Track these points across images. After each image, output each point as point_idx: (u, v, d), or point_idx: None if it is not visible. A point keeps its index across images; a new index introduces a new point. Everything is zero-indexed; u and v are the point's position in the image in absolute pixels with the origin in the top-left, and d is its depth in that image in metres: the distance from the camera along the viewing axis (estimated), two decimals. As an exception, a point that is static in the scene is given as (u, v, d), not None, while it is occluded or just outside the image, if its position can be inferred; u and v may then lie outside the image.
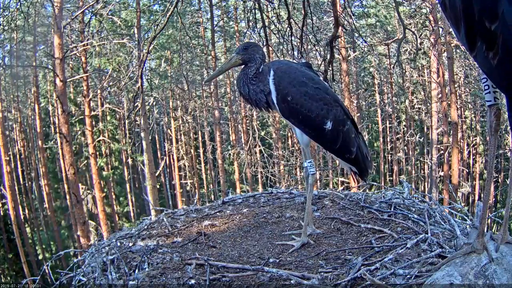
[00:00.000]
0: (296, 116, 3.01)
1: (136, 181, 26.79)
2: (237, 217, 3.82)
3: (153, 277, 2.57)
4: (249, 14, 6.39)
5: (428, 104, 18.57)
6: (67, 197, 19.58)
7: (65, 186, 19.22)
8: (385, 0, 17.61)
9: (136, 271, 2.72)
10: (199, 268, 2.68)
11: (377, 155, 23.07)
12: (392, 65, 18.97)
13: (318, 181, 16.09)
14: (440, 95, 15.31)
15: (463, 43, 1.65)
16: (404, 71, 20.28)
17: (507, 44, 1.47)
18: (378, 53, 20.67)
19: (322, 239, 3.19)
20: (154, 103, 20.75)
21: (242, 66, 3.14)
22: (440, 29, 13.83)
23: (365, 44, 16.00)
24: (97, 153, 17.91)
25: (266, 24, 6.08)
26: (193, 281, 2.49)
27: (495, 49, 1.51)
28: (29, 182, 25.33)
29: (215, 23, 19.35)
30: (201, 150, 24.87)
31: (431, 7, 13.08)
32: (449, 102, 14.83)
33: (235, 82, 3.31)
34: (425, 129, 21.99)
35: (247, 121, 18.46)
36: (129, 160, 23.74)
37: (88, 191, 17.80)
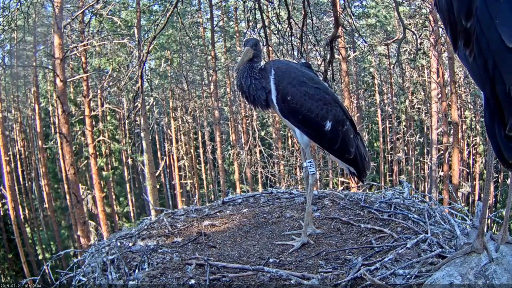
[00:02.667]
0: (296, 116, 3.01)
1: (136, 181, 26.78)
2: (237, 217, 3.82)
3: (153, 277, 2.56)
4: (249, 14, 6.39)
5: (428, 104, 18.57)
6: (67, 197, 19.58)
7: (65, 186, 19.23)
8: (385, 0, 17.61)
9: (136, 271, 2.72)
10: (199, 268, 2.68)
11: (377, 155, 23.06)
12: (392, 65, 18.97)
13: (318, 181, 16.09)
14: (440, 95, 15.32)
15: (450, 41, 1.69)
16: (404, 71, 20.29)
17: (479, 41, 1.50)
18: (378, 53, 20.67)
19: (322, 239, 3.19)
20: (154, 103, 20.77)
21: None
22: (440, 29, 13.83)
23: (365, 44, 16.00)
24: (97, 153, 17.91)
25: (266, 24, 6.08)
26: (193, 281, 2.49)
27: (470, 46, 1.53)
28: (29, 182, 25.33)
29: (215, 23, 19.34)
30: (201, 150, 24.87)
31: (431, 7, 13.08)
32: (449, 102, 14.83)
33: (235, 80, 3.25)
34: (425, 129, 21.99)
35: (247, 121, 18.46)
36: (129, 160, 23.75)
37: (88, 191, 17.80)
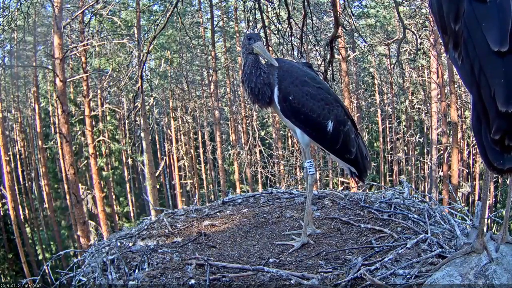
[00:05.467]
0: (298, 116, 3.00)
1: (136, 181, 26.78)
2: (237, 217, 3.82)
3: (153, 277, 2.56)
4: (249, 14, 6.39)
5: (428, 104, 18.58)
6: (67, 197, 19.58)
7: (65, 186, 19.23)
8: (385, 0, 17.60)
9: (136, 271, 2.72)
10: (199, 268, 2.68)
11: (377, 155, 23.06)
12: (392, 65, 18.97)
13: (318, 181, 16.10)
14: (439, 96, 15.33)
15: (442, 43, 1.69)
16: (404, 71, 20.28)
17: (467, 44, 1.50)
18: (378, 53, 20.67)
19: (322, 239, 3.19)
20: (154, 103, 20.76)
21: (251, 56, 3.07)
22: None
23: (365, 44, 16.00)
24: (97, 153, 17.91)
25: (266, 24, 6.08)
26: (193, 281, 2.49)
27: (459, 49, 1.54)
28: (29, 182, 25.33)
29: (215, 23, 19.34)
30: (201, 150, 24.87)
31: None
32: (448, 102, 14.83)
33: (241, 78, 3.12)
34: (425, 129, 21.99)
35: (247, 121, 18.45)
36: (129, 160, 23.74)
37: (88, 191, 17.80)
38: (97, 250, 3.27)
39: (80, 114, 18.27)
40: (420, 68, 20.47)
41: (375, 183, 5.25)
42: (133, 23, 15.72)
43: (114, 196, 22.37)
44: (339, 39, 13.82)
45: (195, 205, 4.48)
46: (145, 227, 3.78)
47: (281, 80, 2.98)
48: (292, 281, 2.43)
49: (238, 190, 17.82)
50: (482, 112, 1.48)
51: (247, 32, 3.65)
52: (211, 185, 24.02)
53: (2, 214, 18.46)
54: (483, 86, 1.45)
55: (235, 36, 20.03)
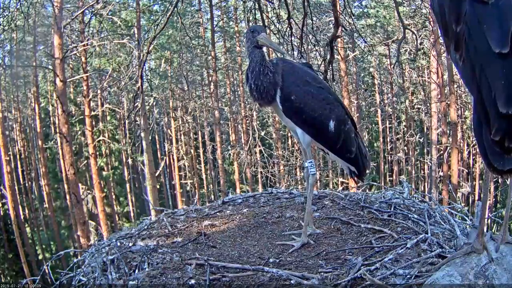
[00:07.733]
0: (300, 116, 3.00)
1: (136, 181, 26.77)
2: (237, 217, 3.82)
3: (153, 277, 2.56)
4: (249, 14, 6.40)
5: (428, 104, 18.58)
6: (67, 197, 19.57)
7: (65, 186, 19.21)
8: (385, 0, 17.60)
9: (136, 271, 2.72)
10: (199, 268, 2.68)
11: (377, 155, 23.05)
12: (392, 65, 18.98)
13: (318, 181, 16.10)
14: (439, 96, 15.34)
15: (444, 43, 1.70)
16: (404, 71, 20.29)
17: (468, 46, 1.50)
18: (378, 53, 20.67)
19: (322, 239, 3.19)
20: (154, 103, 20.76)
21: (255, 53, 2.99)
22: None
23: (365, 44, 16.01)
24: (97, 153, 17.91)
25: (266, 24, 6.09)
26: (193, 281, 2.49)
27: (460, 50, 1.54)
28: (29, 182, 25.32)
29: (215, 23, 19.35)
30: (201, 150, 24.86)
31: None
32: (448, 103, 14.84)
33: (246, 73, 3.01)
34: (425, 129, 21.99)
35: (247, 121, 18.46)
36: (129, 160, 23.73)
37: (88, 191, 17.81)
38: (97, 250, 3.26)
39: (80, 114, 18.29)
40: (420, 68, 20.47)
41: (375, 183, 5.25)
42: (133, 23, 15.72)
43: (114, 196, 22.38)
44: (339, 39, 13.82)
45: (195, 205, 4.47)
46: (145, 227, 3.77)
47: (284, 80, 2.98)
48: (292, 281, 2.43)
49: (238, 190, 17.81)
50: (482, 113, 1.48)
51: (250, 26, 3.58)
52: (211, 185, 24.02)
53: (2, 214, 18.46)
54: (484, 87, 1.45)
55: (235, 36, 20.03)
